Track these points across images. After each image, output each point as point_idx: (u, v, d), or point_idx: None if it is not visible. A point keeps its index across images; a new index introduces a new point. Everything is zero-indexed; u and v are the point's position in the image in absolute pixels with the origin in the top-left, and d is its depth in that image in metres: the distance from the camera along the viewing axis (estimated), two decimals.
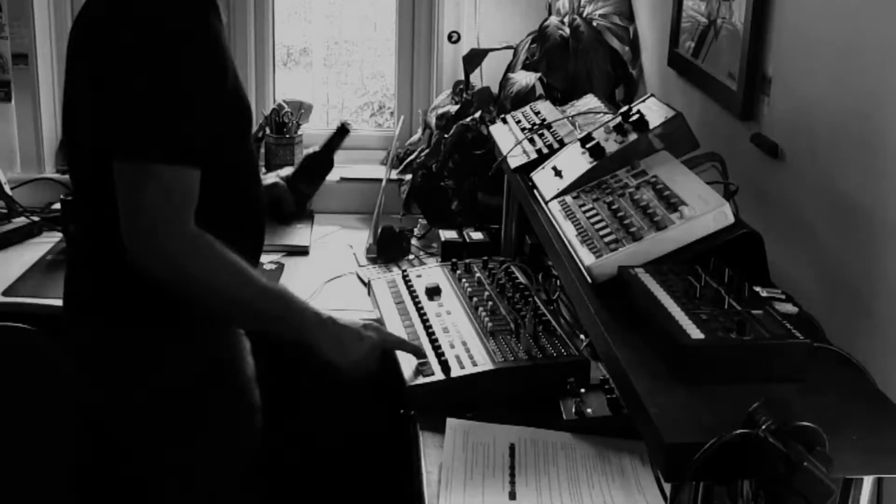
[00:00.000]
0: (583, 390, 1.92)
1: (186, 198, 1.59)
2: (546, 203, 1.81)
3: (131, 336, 1.74)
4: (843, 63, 1.58)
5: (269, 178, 2.19)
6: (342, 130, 2.25)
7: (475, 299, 2.24)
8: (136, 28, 1.57)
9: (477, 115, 2.89)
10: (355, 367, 1.85)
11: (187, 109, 1.59)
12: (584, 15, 2.91)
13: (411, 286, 2.37)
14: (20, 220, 3.01)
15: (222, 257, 1.64)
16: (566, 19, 2.89)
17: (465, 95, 3.05)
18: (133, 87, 1.56)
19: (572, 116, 2.20)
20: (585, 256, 1.53)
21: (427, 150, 3.08)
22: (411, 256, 2.95)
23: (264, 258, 2.88)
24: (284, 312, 1.77)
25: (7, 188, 3.09)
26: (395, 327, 2.19)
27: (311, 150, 2.25)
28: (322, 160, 2.22)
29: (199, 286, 1.63)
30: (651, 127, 1.78)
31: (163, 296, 1.65)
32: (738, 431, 1.06)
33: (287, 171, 2.23)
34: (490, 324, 2.11)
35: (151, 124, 1.56)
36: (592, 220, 1.62)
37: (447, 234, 2.78)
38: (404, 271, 2.48)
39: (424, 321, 2.17)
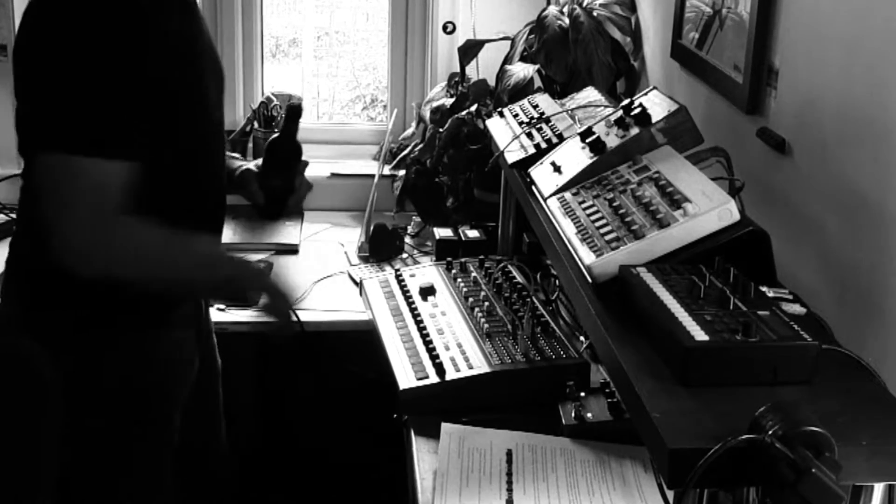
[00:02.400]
0: (582, 394, 1.92)
1: (109, 190, 1.59)
2: (544, 200, 1.81)
3: (66, 343, 1.75)
4: (853, 54, 1.58)
5: (243, 164, 2.13)
6: (292, 111, 2.14)
7: (471, 300, 2.24)
8: (54, 24, 1.60)
9: (473, 108, 2.89)
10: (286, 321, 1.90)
11: (105, 101, 1.59)
12: (584, 4, 2.90)
13: (405, 286, 2.36)
14: None
15: (143, 248, 1.66)
16: (565, 9, 2.89)
17: (460, 88, 3.05)
18: (55, 81, 1.59)
19: (572, 110, 2.19)
20: (585, 255, 1.52)
21: (421, 145, 3.08)
22: (405, 255, 2.95)
23: (253, 257, 2.88)
24: (217, 279, 1.83)
25: None
26: (388, 329, 2.18)
27: (271, 139, 2.18)
28: (286, 145, 2.13)
29: (123, 279, 1.66)
30: (654, 121, 1.78)
31: (95, 301, 1.71)
32: (743, 437, 1.06)
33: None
34: (486, 325, 2.11)
35: (67, 116, 1.58)
36: (593, 217, 1.62)
37: (442, 232, 2.78)
38: (397, 271, 2.48)
39: (418, 322, 2.17)
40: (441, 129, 2.93)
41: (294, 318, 1.94)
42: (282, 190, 2.08)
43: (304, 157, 2.11)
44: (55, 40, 1.60)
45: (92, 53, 1.58)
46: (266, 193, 2.06)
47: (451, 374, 1.96)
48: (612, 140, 1.81)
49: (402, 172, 3.13)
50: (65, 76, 1.58)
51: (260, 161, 2.10)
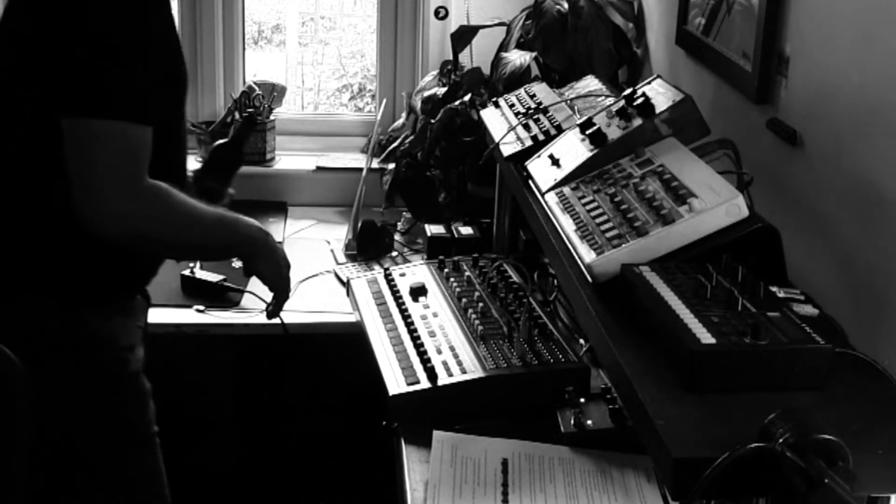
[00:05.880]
0: (582, 400, 1.92)
1: (141, 155, 1.69)
2: (542, 195, 1.81)
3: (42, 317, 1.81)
4: (869, 39, 1.58)
5: None
6: (249, 122, 2.33)
7: (464, 300, 2.23)
8: None
9: (466, 98, 2.89)
10: (284, 288, 2.02)
11: (143, 65, 1.68)
12: None
13: (394, 286, 2.36)
14: None
15: (173, 210, 1.76)
16: None
17: (453, 77, 3.05)
18: (89, 42, 1.65)
19: (571, 100, 2.19)
20: (585, 253, 1.52)
21: (412, 137, 3.08)
22: (394, 253, 2.94)
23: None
24: (231, 240, 1.91)
25: None
26: (377, 331, 2.18)
27: (220, 142, 2.28)
28: (232, 153, 2.25)
29: (152, 242, 1.80)
30: (657, 111, 1.78)
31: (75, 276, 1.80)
32: (752, 445, 1.06)
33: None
34: (481, 327, 2.11)
35: (107, 79, 1.65)
36: (593, 213, 1.61)
37: (434, 229, 2.78)
38: (387, 270, 2.47)
39: (409, 324, 2.16)
40: (433, 120, 2.93)
41: (286, 295, 2.04)
42: (214, 195, 2.17)
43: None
44: (90, 5, 1.66)
45: (127, 19, 1.66)
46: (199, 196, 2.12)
47: (443, 379, 1.96)
48: (613, 132, 1.81)
49: (391, 166, 3.13)
50: (99, 42, 1.65)
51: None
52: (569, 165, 1.81)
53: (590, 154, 1.79)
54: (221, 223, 1.89)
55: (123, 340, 1.89)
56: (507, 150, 2.12)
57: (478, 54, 3.09)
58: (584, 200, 1.68)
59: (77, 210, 1.66)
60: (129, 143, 1.66)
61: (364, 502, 2.87)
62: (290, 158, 3.39)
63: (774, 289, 1.40)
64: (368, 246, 2.93)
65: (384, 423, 1.95)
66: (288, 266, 2.00)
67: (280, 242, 2.97)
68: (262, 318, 2.54)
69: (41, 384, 1.78)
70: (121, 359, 1.88)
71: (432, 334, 2.12)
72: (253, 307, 2.59)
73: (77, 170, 1.66)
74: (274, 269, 1.97)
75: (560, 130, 2.03)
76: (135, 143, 1.67)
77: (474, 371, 1.97)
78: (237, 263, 2.82)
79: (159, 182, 1.72)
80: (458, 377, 1.96)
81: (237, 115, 3.29)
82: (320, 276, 2.80)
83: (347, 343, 2.34)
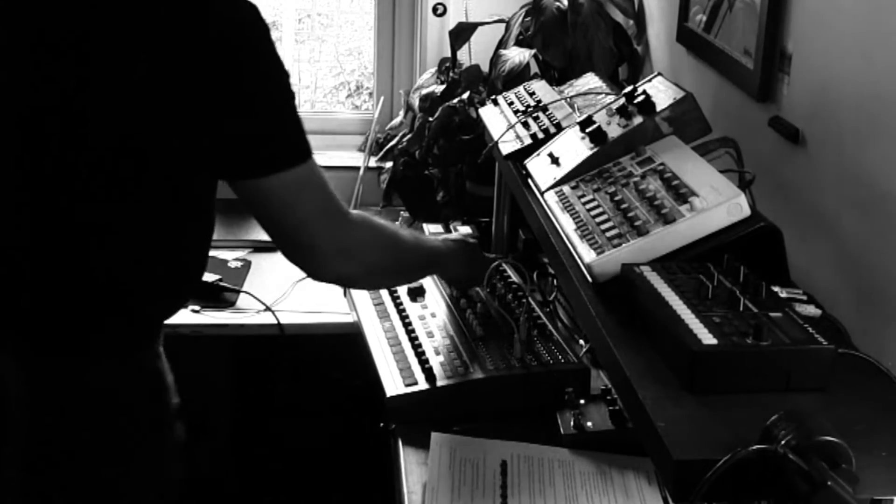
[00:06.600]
0: (582, 401, 1.92)
1: (331, 189, 1.75)
2: (541, 193, 1.81)
3: (59, 364, 1.71)
4: (872, 36, 1.58)
5: None
6: None
7: (463, 301, 2.23)
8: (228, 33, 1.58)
9: (465, 95, 2.88)
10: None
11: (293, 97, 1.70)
12: None
13: None
14: None
15: (382, 235, 1.85)
16: None
17: (451, 74, 3.05)
18: (264, 95, 1.63)
19: (570, 97, 2.19)
20: (585, 253, 1.52)
21: (410, 136, 3.08)
22: None
23: (229, 255, 2.88)
24: (428, 263, 2.05)
25: None
26: (375, 331, 2.18)
27: None
28: None
29: (380, 272, 1.88)
30: (658, 109, 1.78)
31: (92, 323, 1.68)
32: (754, 447, 1.05)
33: None
34: (479, 328, 2.10)
35: (295, 125, 1.70)
36: (593, 212, 1.61)
37: (432, 229, 2.77)
38: None
39: (406, 324, 2.16)
40: (431, 119, 2.93)
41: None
42: None
43: None
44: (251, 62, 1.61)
45: (276, 61, 1.64)
46: None
47: (441, 381, 1.96)
48: (613, 130, 1.80)
49: (389, 164, 3.13)
50: (272, 93, 1.65)
51: None
52: (568, 164, 1.81)
53: (590, 152, 1.79)
54: (420, 246, 2.00)
55: (169, 376, 1.81)
56: (506, 149, 2.11)
57: (476, 51, 3.09)
58: (583, 199, 1.67)
59: (318, 261, 1.72)
60: (323, 179, 1.73)
61: None
62: None
63: (776, 289, 1.40)
64: None
65: (381, 424, 1.95)
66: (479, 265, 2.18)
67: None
68: (258, 319, 2.55)
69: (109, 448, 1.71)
70: (173, 405, 1.80)
71: (430, 335, 2.12)
72: (249, 307, 2.58)
73: (295, 222, 1.69)
74: (467, 277, 2.18)
75: (560, 128, 2.03)
76: (324, 176, 1.74)
77: (473, 372, 1.97)
78: (233, 263, 2.82)
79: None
80: (456, 378, 1.96)
81: None
82: None
83: (345, 344, 2.34)
